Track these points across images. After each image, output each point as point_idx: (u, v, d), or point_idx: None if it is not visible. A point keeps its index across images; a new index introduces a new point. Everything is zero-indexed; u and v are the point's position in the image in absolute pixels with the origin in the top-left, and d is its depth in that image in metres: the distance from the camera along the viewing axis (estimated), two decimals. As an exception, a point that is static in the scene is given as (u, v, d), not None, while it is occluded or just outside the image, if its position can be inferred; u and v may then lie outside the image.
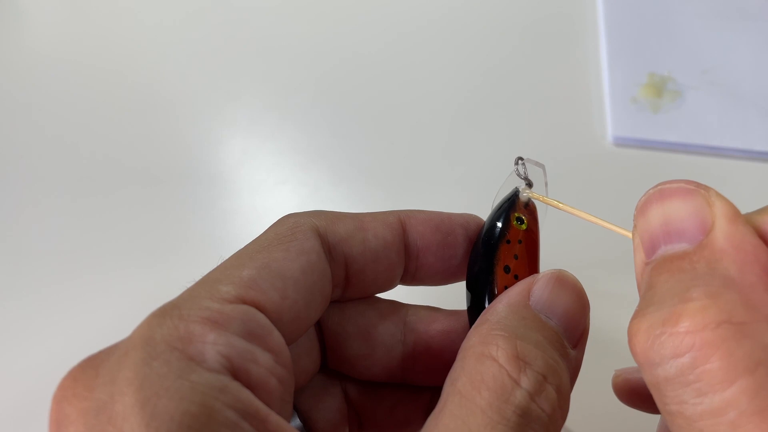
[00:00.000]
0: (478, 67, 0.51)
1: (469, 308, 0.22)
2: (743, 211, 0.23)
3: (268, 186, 0.45)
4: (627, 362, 0.35)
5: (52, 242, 0.42)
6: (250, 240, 0.21)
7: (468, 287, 0.23)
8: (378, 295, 0.24)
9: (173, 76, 0.51)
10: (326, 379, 0.24)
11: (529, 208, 0.23)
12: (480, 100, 0.49)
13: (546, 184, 0.23)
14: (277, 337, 0.18)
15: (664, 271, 0.17)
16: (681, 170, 0.45)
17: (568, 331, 0.20)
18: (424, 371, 0.23)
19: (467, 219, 0.23)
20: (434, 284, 0.24)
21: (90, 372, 0.16)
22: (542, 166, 0.23)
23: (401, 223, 0.22)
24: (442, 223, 0.23)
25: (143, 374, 0.15)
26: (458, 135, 0.47)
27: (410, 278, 0.23)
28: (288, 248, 0.19)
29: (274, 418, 0.16)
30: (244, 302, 0.17)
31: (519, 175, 0.23)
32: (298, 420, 0.22)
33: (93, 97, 0.49)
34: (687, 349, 0.15)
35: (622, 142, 0.46)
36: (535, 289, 0.20)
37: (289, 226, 0.20)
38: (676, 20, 0.52)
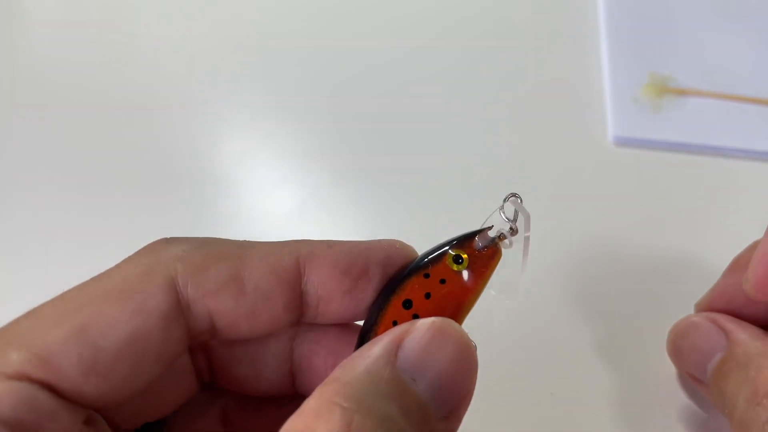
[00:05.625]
0: (478, 67, 0.51)
1: (360, 334, 0.20)
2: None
3: (268, 186, 0.45)
4: (629, 372, 0.34)
5: (50, 243, 0.42)
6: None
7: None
8: None
9: (173, 75, 0.51)
10: (206, 398, 0.22)
11: (487, 252, 0.19)
12: (480, 100, 0.49)
13: (527, 238, 0.20)
14: (63, 420, 0.16)
15: (723, 378, 0.24)
16: (682, 170, 0.45)
17: (440, 399, 0.16)
18: (312, 388, 0.21)
19: (390, 253, 0.20)
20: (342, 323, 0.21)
21: None
22: (527, 215, 0.20)
23: (298, 266, 0.19)
24: (354, 263, 0.19)
25: None
26: (458, 134, 0.47)
27: (309, 321, 0.20)
28: (125, 305, 0.17)
29: None
30: (30, 379, 0.15)
31: (503, 216, 0.20)
32: None
33: (92, 96, 0.49)
34: None
35: (622, 142, 0.46)
36: (406, 341, 0.17)
37: (141, 270, 0.18)
38: (678, 20, 0.52)
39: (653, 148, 0.46)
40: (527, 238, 0.20)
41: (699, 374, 0.26)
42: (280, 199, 0.44)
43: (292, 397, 0.22)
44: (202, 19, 0.54)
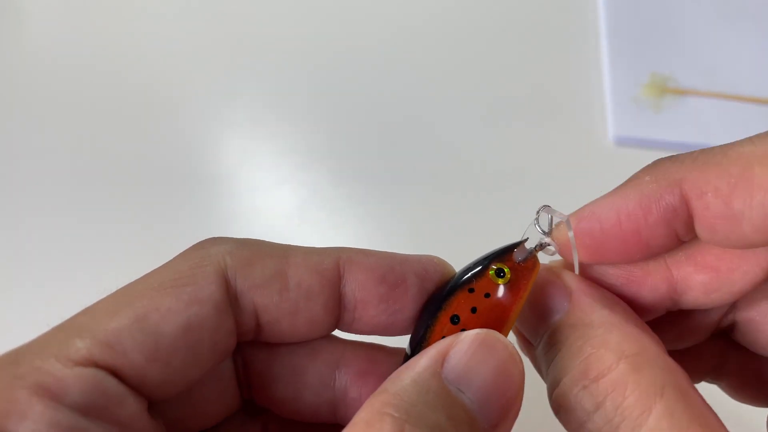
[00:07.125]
0: (479, 67, 0.51)
1: (405, 354, 0.20)
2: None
3: (268, 186, 0.45)
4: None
5: (50, 243, 0.42)
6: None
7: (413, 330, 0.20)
8: None
9: (173, 76, 0.51)
10: (247, 417, 0.22)
11: (526, 264, 0.19)
12: (481, 100, 0.49)
13: (572, 237, 0.20)
14: (129, 406, 0.16)
15: (553, 347, 0.19)
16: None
17: (487, 409, 0.16)
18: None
19: (426, 266, 0.20)
20: (379, 335, 0.21)
21: None
22: (565, 219, 0.20)
23: (338, 268, 0.19)
24: (390, 271, 0.19)
25: None
26: (458, 135, 0.47)
27: (347, 328, 0.21)
28: (179, 295, 0.17)
29: None
30: (96, 365, 0.16)
31: (538, 228, 0.20)
32: None
33: (93, 97, 0.49)
34: (604, 395, 0.16)
35: (623, 142, 0.46)
36: (452, 353, 0.17)
37: (193, 263, 0.18)
38: (678, 20, 0.52)
39: (653, 148, 0.46)
40: (572, 237, 0.20)
41: (531, 336, 0.21)
42: (280, 199, 0.44)
43: (334, 427, 0.21)
44: (203, 21, 0.54)
